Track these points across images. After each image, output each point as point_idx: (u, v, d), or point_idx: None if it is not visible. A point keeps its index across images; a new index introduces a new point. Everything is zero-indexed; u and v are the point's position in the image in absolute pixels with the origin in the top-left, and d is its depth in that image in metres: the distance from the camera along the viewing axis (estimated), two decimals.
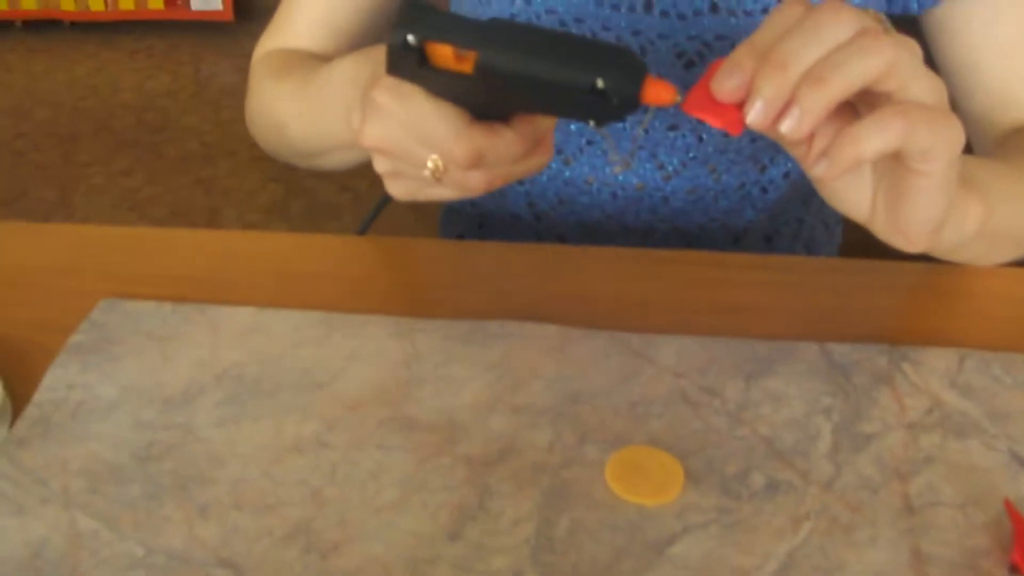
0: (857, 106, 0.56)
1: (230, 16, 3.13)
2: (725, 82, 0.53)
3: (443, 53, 0.55)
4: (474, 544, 0.56)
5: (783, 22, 0.53)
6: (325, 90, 0.73)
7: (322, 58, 0.86)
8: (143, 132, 2.66)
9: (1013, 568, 0.55)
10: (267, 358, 0.68)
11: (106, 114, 2.73)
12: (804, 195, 0.92)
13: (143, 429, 0.63)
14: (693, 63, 0.80)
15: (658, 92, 0.53)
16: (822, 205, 0.96)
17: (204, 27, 3.19)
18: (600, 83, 0.52)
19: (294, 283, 0.74)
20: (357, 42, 0.90)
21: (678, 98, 0.54)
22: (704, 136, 0.84)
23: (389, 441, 0.62)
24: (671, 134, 0.84)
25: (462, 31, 0.55)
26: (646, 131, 0.84)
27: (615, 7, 0.80)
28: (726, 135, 0.84)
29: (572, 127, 0.85)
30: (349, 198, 2.36)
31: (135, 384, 0.66)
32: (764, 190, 0.88)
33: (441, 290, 0.75)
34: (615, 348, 0.67)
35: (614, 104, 0.53)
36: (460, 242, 0.87)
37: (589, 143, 0.86)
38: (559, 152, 0.87)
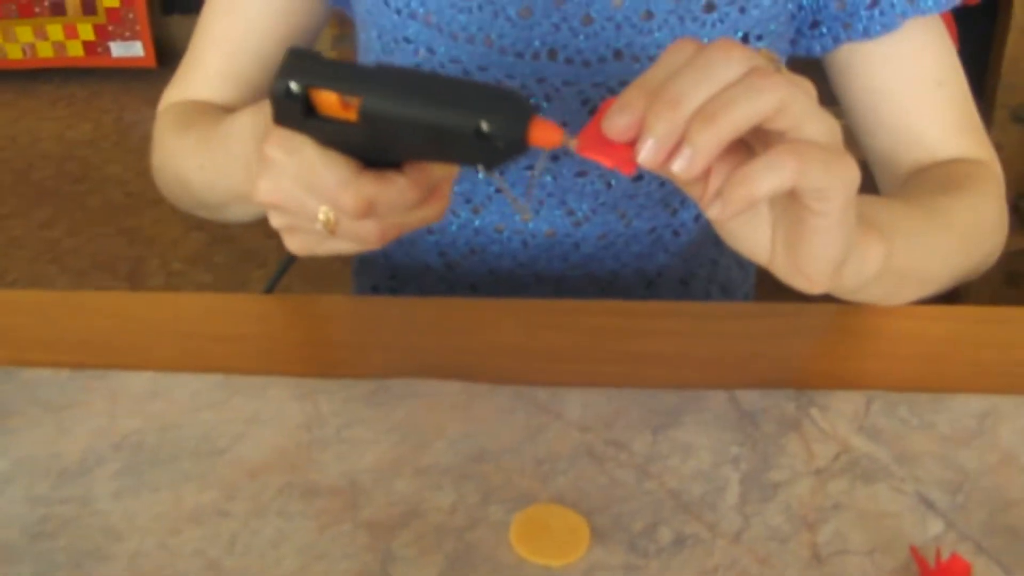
0: (753, 146, 0.55)
1: (152, 62, 3.10)
2: (616, 121, 0.52)
3: (328, 101, 0.54)
4: None
5: (674, 61, 0.53)
6: (226, 142, 0.72)
7: (225, 109, 0.85)
8: (64, 182, 2.62)
9: None
10: (166, 425, 0.66)
11: (25, 164, 2.69)
12: (716, 237, 0.92)
13: (36, 504, 0.61)
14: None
15: (545, 134, 0.52)
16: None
17: (126, 74, 3.16)
18: (484, 126, 0.51)
19: (196, 345, 0.72)
20: (260, 93, 0.89)
21: (567, 139, 0.53)
22: (613, 182, 0.84)
23: (290, 508, 0.61)
24: (580, 180, 0.84)
25: (345, 77, 0.53)
26: (554, 178, 0.84)
27: (519, 55, 0.79)
28: (635, 180, 0.84)
29: (480, 175, 0.84)
30: (274, 244, 2.34)
31: (29, 456, 0.64)
32: (676, 233, 0.88)
33: (346, 348, 0.74)
34: (521, 403, 0.66)
35: (500, 147, 0.52)
36: (367, 298, 0.86)
37: (498, 191, 0.85)
38: (468, 201, 0.87)
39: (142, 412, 0.67)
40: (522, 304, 0.77)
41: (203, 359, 0.71)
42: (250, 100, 0.89)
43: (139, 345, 0.73)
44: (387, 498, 0.61)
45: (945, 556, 0.56)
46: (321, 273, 1.64)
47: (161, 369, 0.70)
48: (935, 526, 0.59)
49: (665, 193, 0.85)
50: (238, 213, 0.81)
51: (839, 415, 0.66)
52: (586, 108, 0.80)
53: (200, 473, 0.63)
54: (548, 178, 0.84)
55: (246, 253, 2.35)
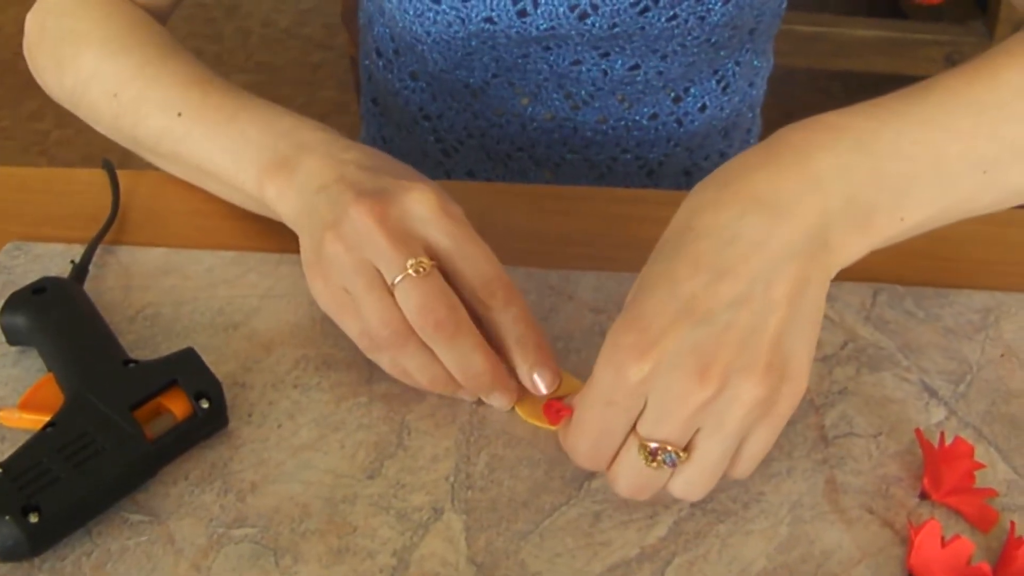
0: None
1: None
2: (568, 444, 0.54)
3: None
4: (392, 482, 0.56)
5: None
6: (248, 129, 0.66)
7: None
8: None
9: (923, 495, 0.56)
10: (181, 300, 0.67)
11: (11, 55, 2.64)
12: (725, 128, 0.92)
13: None
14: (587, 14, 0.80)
15: None
16: (745, 140, 0.96)
17: None
18: None
19: (210, 223, 0.72)
20: None
21: None
22: (608, 71, 0.83)
23: (306, 380, 0.61)
24: (575, 68, 0.83)
25: None
26: (549, 66, 0.83)
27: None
28: (631, 68, 0.83)
29: (483, 59, 0.83)
30: None
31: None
32: (679, 122, 0.88)
33: None
34: (533, 284, 0.67)
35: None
36: None
37: (495, 76, 0.85)
38: (466, 85, 0.86)
39: (156, 287, 0.67)
40: (526, 189, 0.77)
41: (217, 236, 0.71)
42: None
43: (152, 222, 0.73)
44: None
45: (948, 440, 0.58)
46: None
47: (175, 246, 0.71)
48: (938, 413, 0.61)
49: (666, 81, 0.85)
50: (180, 171, 0.73)
51: (847, 306, 0.67)
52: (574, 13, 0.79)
53: (216, 346, 0.63)
54: (543, 65, 0.83)
55: None
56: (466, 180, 0.92)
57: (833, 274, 0.52)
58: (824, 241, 0.51)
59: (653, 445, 0.50)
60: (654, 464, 0.50)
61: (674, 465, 0.50)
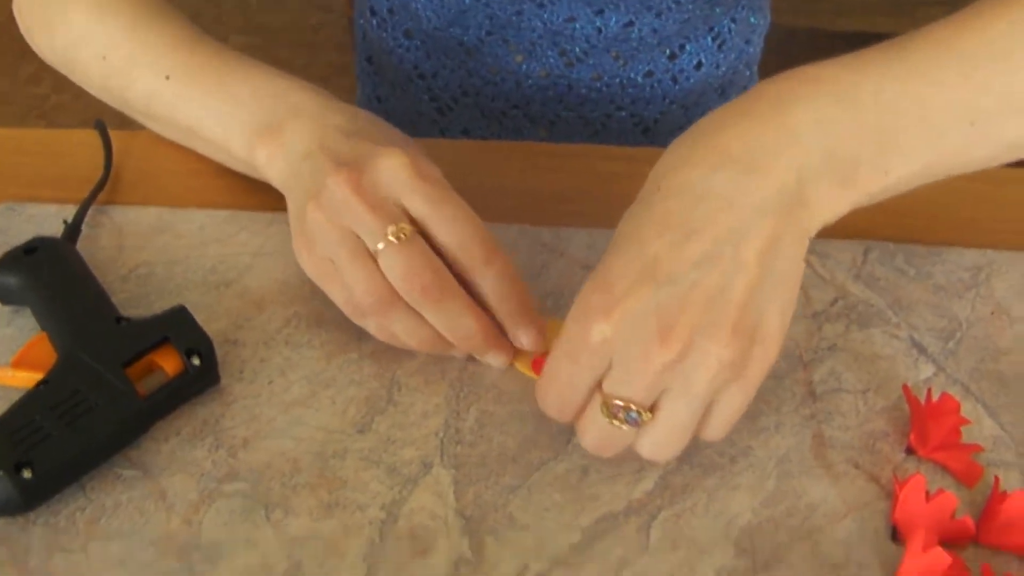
0: None
1: None
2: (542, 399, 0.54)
3: None
4: (383, 437, 0.56)
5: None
6: (235, 84, 0.66)
7: None
8: None
9: (909, 450, 0.57)
10: (173, 258, 0.67)
11: (6, 18, 2.63)
12: (722, 86, 0.92)
13: None
14: None
15: None
16: None
17: None
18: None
19: (202, 182, 0.73)
20: None
21: None
22: (602, 28, 0.83)
23: (297, 338, 0.62)
24: (569, 25, 0.83)
25: None
26: (543, 23, 0.83)
27: None
28: (626, 25, 0.83)
29: (477, 16, 0.83)
30: None
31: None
32: (675, 80, 0.88)
33: None
34: (525, 241, 0.67)
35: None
36: None
37: (489, 33, 0.85)
38: (460, 44, 0.86)
39: (149, 246, 0.68)
40: (520, 147, 0.77)
41: (209, 195, 0.71)
42: None
43: (145, 182, 0.73)
44: None
45: (935, 397, 0.58)
46: None
47: (167, 205, 0.71)
48: (926, 369, 0.61)
49: (661, 38, 0.85)
50: (172, 134, 0.73)
51: (837, 263, 0.67)
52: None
53: (208, 304, 0.64)
54: (537, 22, 0.83)
55: None
56: (461, 138, 0.92)
57: (813, 232, 0.51)
58: (801, 197, 0.50)
59: (618, 403, 0.50)
60: (616, 422, 0.50)
61: (636, 424, 0.50)
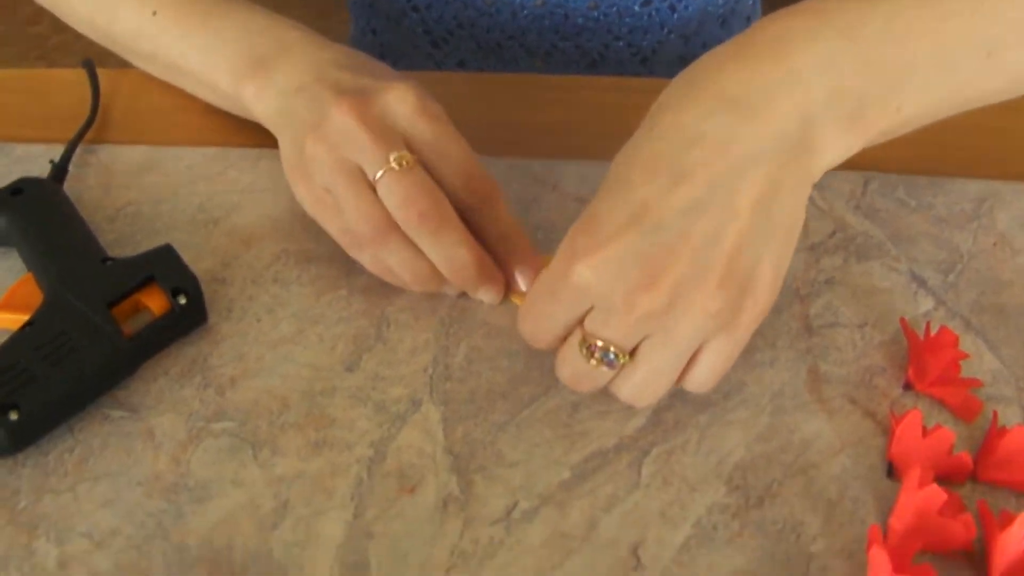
0: None
1: None
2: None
3: None
4: (371, 375, 0.56)
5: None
6: (219, 21, 0.65)
7: None
8: None
9: (907, 385, 0.56)
10: (161, 197, 0.66)
11: None
12: (723, 16, 0.90)
13: None
14: None
15: None
16: (744, 29, 0.93)
17: None
18: None
19: (190, 119, 0.71)
20: None
21: None
22: None
23: (285, 275, 0.61)
24: None
25: None
26: None
27: None
28: None
29: None
30: None
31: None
32: (672, 8, 0.86)
33: None
34: (516, 174, 0.66)
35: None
36: None
37: None
38: None
39: (136, 185, 0.67)
40: (514, 78, 0.76)
41: (198, 133, 0.70)
42: None
43: (133, 120, 0.72)
44: None
45: (934, 331, 0.57)
46: None
47: (156, 143, 0.70)
48: (926, 303, 0.60)
49: None
50: (158, 70, 0.71)
51: (836, 194, 0.66)
52: None
53: (196, 243, 0.63)
54: None
55: None
56: (456, 71, 0.90)
57: (817, 176, 0.50)
58: (805, 142, 0.48)
59: (597, 343, 0.49)
60: (592, 361, 0.50)
61: (613, 366, 0.50)
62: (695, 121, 0.48)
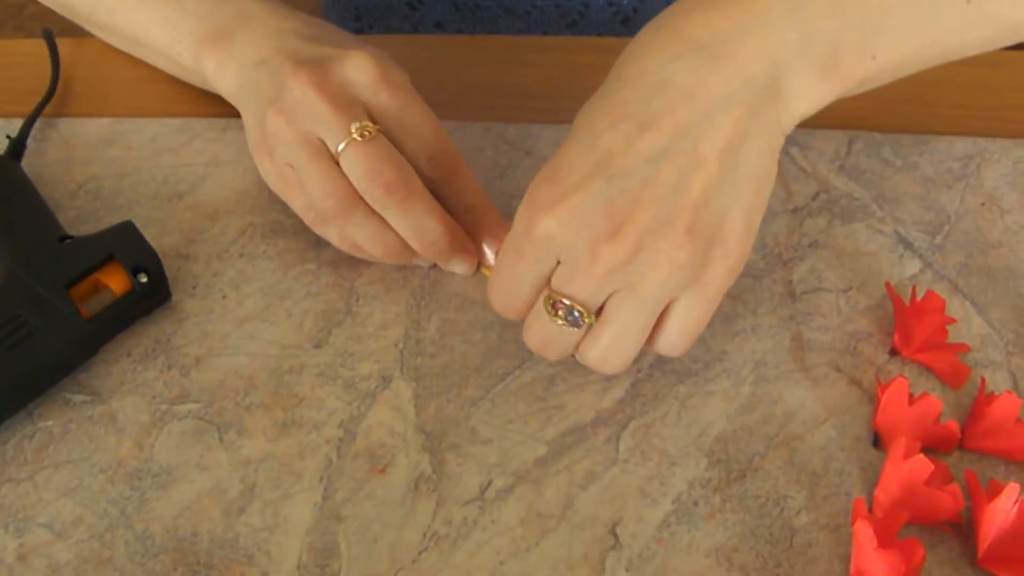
0: None
1: None
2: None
3: None
4: (340, 351, 0.54)
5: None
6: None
7: None
8: None
9: (893, 351, 0.54)
10: (124, 171, 0.64)
11: None
12: None
13: None
14: None
15: None
16: None
17: None
18: None
19: (155, 89, 0.69)
20: None
21: None
22: None
23: (252, 249, 0.59)
24: None
25: None
26: None
27: None
28: None
29: None
30: None
31: None
32: None
33: None
34: (490, 140, 0.64)
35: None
36: None
37: None
38: None
39: (98, 159, 0.64)
40: (491, 40, 0.73)
41: (162, 103, 0.68)
42: None
43: (95, 92, 0.70)
44: None
45: (920, 295, 0.55)
46: None
47: (118, 115, 0.67)
48: (912, 266, 0.58)
49: None
50: (118, 41, 0.70)
51: (820, 154, 0.64)
52: None
53: (159, 218, 0.61)
54: None
55: None
56: (434, 32, 0.88)
57: (789, 127, 0.48)
58: (774, 88, 0.46)
59: (564, 301, 0.47)
60: (557, 319, 0.48)
61: (578, 325, 0.48)
62: (660, 68, 0.46)
